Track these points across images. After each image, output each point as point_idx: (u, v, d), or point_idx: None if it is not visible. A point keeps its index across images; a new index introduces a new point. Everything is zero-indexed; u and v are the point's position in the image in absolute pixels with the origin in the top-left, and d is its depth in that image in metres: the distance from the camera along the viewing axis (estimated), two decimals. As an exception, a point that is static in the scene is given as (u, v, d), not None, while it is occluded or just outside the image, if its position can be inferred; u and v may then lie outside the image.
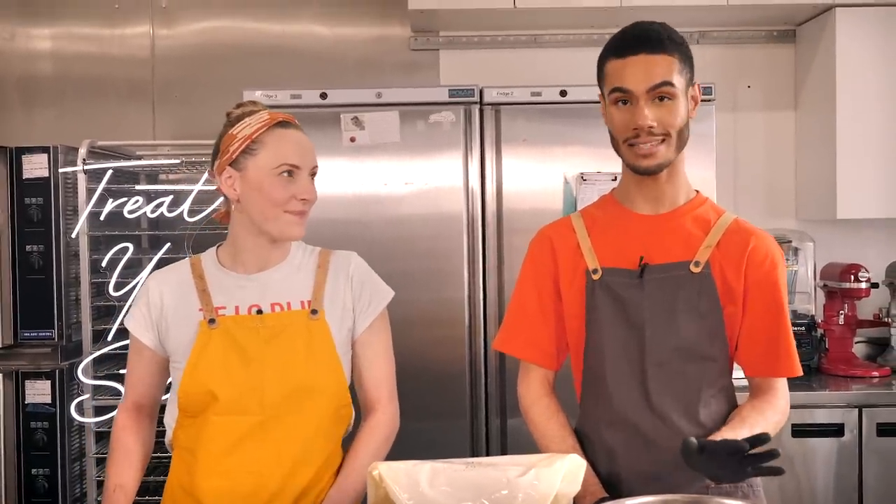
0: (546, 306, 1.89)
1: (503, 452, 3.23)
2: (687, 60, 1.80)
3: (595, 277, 1.81)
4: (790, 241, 3.68)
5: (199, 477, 1.82)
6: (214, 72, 4.09)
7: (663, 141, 1.75)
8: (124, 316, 3.28)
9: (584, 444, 1.87)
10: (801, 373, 1.83)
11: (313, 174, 1.90)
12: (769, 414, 1.76)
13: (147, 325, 1.90)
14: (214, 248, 1.97)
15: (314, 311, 1.85)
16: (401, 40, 4.10)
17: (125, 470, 1.92)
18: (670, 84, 1.72)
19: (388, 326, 1.97)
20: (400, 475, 1.47)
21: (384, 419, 1.93)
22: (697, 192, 1.91)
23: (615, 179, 3.14)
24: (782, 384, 1.84)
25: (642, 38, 1.75)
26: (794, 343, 1.83)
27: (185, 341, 1.84)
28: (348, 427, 1.96)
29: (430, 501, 1.43)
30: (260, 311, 1.84)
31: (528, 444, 3.19)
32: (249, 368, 1.79)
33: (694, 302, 1.77)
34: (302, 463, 1.83)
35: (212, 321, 1.82)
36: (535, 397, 1.92)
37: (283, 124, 1.90)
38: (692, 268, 1.78)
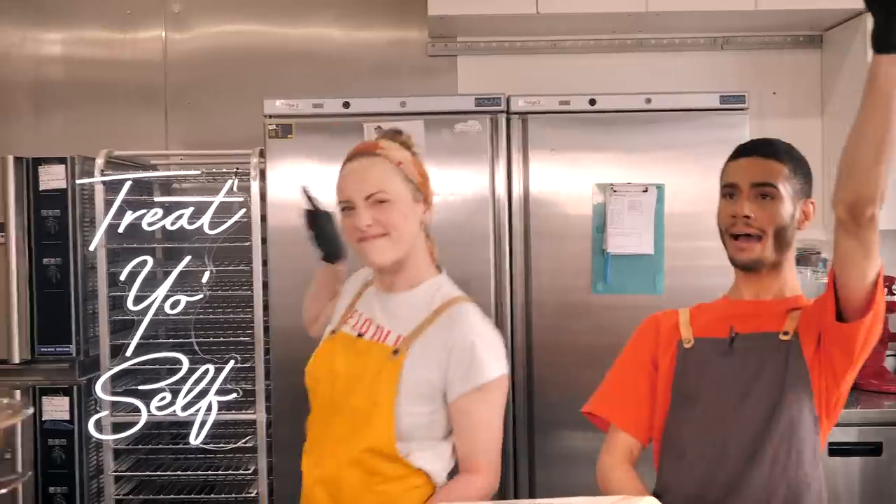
0: (641, 379, 1.95)
1: (531, 468, 3.19)
2: (800, 174, 1.89)
3: (687, 346, 1.89)
4: (819, 252, 3.63)
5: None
6: (228, 77, 4.02)
7: (760, 239, 1.84)
8: (143, 331, 3.24)
9: None
10: None
11: (379, 200, 1.86)
12: None
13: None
14: None
15: (396, 352, 1.83)
16: (418, 45, 4.04)
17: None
18: (773, 185, 1.84)
19: (495, 400, 1.85)
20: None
21: (479, 481, 1.85)
22: (803, 294, 1.95)
23: (646, 191, 3.10)
24: None
25: (759, 144, 1.91)
26: None
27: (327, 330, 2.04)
28: (413, 472, 1.87)
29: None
30: (361, 334, 1.93)
31: (557, 459, 3.18)
32: (333, 386, 1.90)
33: (781, 368, 1.80)
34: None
35: (333, 332, 2.00)
36: (617, 462, 1.93)
37: (351, 157, 1.93)
38: (781, 336, 1.83)
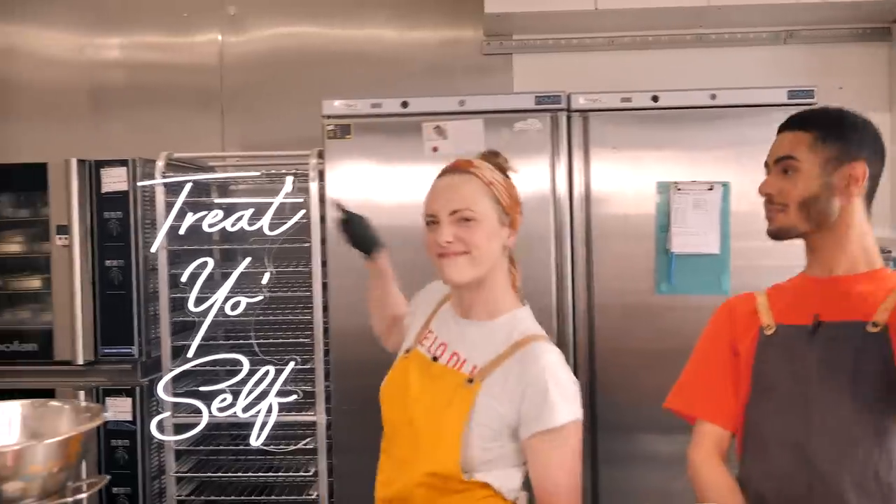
0: (722, 368, 1.87)
1: (594, 469, 3.14)
2: (833, 139, 1.78)
3: (767, 333, 1.81)
4: (889, 251, 3.52)
5: None
6: (282, 79, 4.03)
7: (781, 210, 1.81)
8: (203, 333, 3.25)
9: None
10: None
11: (464, 218, 1.82)
12: None
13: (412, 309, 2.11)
14: None
15: (470, 381, 1.80)
16: (472, 44, 4.01)
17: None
18: (792, 158, 1.79)
19: (568, 443, 1.77)
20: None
21: None
22: (883, 266, 1.85)
23: (711, 189, 3.03)
24: None
25: (792, 117, 1.85)
26: None
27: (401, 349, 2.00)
28: (481, 486, 1.82)
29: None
30: (436, 358, 1.89)
31: (620, 460, 3.13)
32: (405, 406, 1.86)
33: (868, 364, 1.71)
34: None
35: (407, 351, 1.96)
36: (707, 456, 1.85)
37: (444, 173, 1.91)
38: (869, 328, 1.72)
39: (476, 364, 1.81)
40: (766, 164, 1.85)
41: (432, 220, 1.85)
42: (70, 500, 1.44)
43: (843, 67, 3.84)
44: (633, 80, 3.49)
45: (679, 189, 3.04)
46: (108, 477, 1.65)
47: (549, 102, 3.10)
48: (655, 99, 3.09)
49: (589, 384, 3.13)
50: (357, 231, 2.22)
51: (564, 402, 1.75)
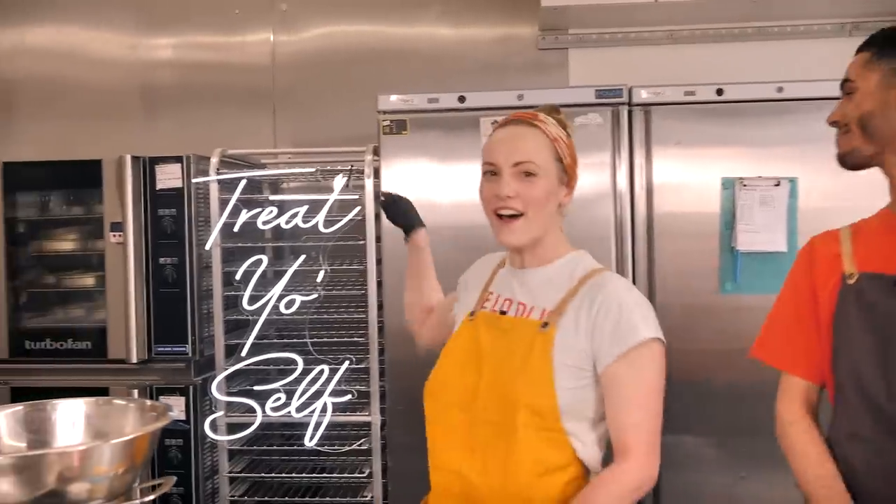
0: (803, 315, 1.77)
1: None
2: (889, 55, 1.71)
3: (850, 282, 1.70)
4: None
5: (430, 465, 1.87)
6: (333, 77, 4.00)
7: (845, 133, 1.75)
8: (257, 331, 3.22)
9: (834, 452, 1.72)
10: None
11: (527, 171, 1.76)
12: None
13: (458, 291, 2.04)
14: None
15: (545, 325, 1.74)
16: (527, 39, 3.94)
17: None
18: (849, 80, 1.76)
19: (647, 368, 1.70)
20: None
21: (630, 468, 1.69)
22: None
23: (778, 185, 2.94)
24: None
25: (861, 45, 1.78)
26: None
27: (456, 322, 1.93)
28: (567, 459, 1.75)
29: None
30: (504, 312, 1.83)
31: (681, 464, 3.04)
32: (478, 366, 1.79)
33: None
34: (507, 472, 1.70)
35: (472, 314, 1.88)
36: (798, 416, 1.77)
37: (505, 123, 1.85)
38: None
39: (545, 308, 1.77)
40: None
41: (492, 171, 1.79)
42: (137, 502, 1.40)
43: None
44: (692, 75, 3.40)
45: (745, 185, 2.94)
46: (175, 478, 1.61)
47: (610, 96, 3.03)
48: (720, 92, 3.00)
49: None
50: (399, 209, 2.29)
51: (640, 319, 1.70)
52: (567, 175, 1.83)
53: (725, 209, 2.98)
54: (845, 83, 1.77)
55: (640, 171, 3.04)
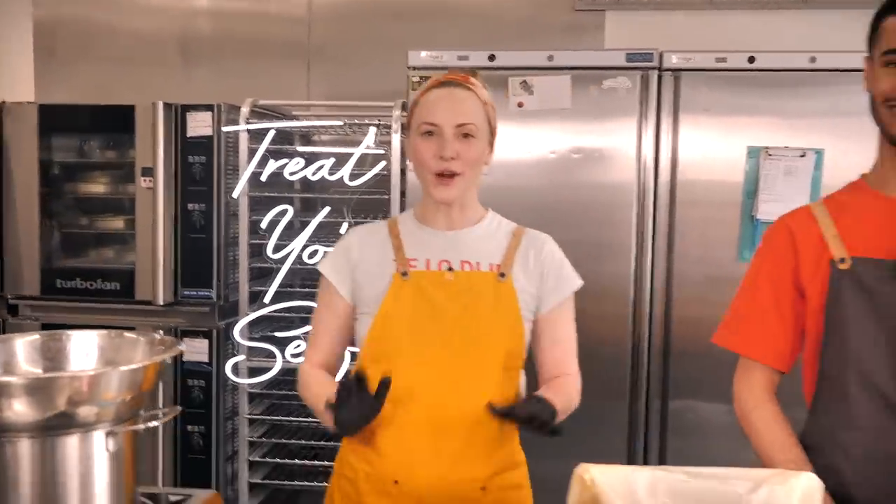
0: (782, 300, 1.71)
1: (663, 436, 3.10)
2: None
3: (842, 267, 1.63)
4: None
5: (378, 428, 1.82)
6: (369, 32, 4.00)
7: None
8: (281, 280, 3.28)
9: (811, 455, 1.68)
10: None
11: (467, 133, 1.83)
12: None
13: (344, 275, 1.94)
14: (414, 206, 2.01)
15: (502, 275, 1.88)
16: (565, 1, 3.91)
17: (332, 384, 1.88)
18: None
19: (573, 313, 1.98)
20: (615, 481, 1.33)
21: (573, 380, 1.96)
22: None
23: (803, 156, 2.92)
24: None
25: None
26: None
27: (376, 293, 1.89)
28: (517, 392, 1.92)
29: (649, 513, 1.29)
30: (451, 268, 1.88)
31: (690, 429, 3.08)
32: (437, 320, 1.84)
33: None
34: (479, 405, 1.78)
35: (404, 274, 1.87)
36: (759, 401, 1.74)
37: (445, 84, 1.88)
38: None
39: (491, 262, 1.89)
40: (874, 59, 1.63)
41: (431, 132, 1.83)
42: (142, 426, 1.46)
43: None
44: (729, 43, 3.37)
45: (770, 154, 2.93)
46: (181, 408, 1.67)
47: (641, 60, 3.02)
48: (752, 60, 2.98)
49: (663, 351, 3.08)
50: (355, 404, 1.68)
51: (573, 272, 1.96)
52: (492, 136, 1.92)
53: (749, 178, 2.97)
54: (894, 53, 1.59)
55: (666, 137, 3.03)
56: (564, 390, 1.89)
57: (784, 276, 1.71)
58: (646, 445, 3.12)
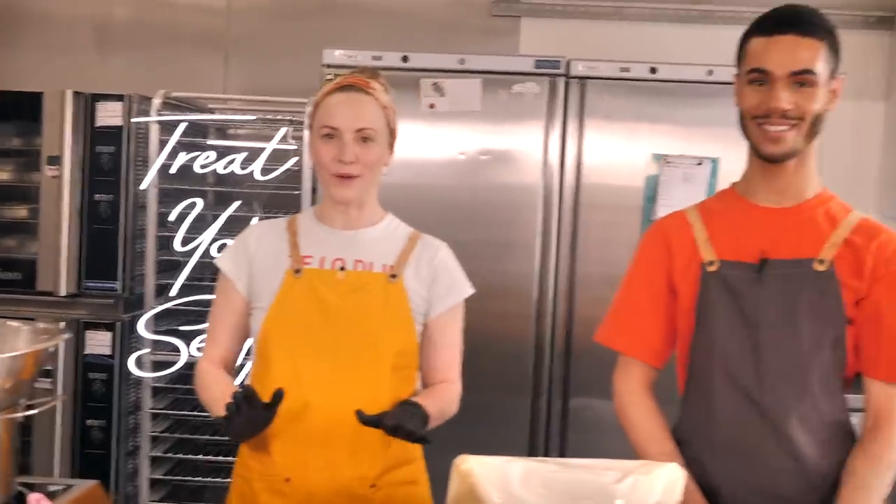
0: (657, 300, 1.81)
1: (563, 434, 3.18)
2: (834, 51, 1.70)
3: (711, 269, 1.73)
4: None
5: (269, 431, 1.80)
6: (290, 27, 4.00)
7: (794, 126, 1.66)
8: (188, 273, 3.27)
9: (681, 448, 1.77)
10: None
11: (366, 138, 1.88)
12: (883, 468, 1.65)
13: (241, 270, 1.97)
14: (316, 205, 2.06)
15: (393, 276, 1.92)
16: (482, 5, 3.98)
17: (229, 385, 1.93)
18: (812, 73, 1.65)
19: (462, 319, 2.03)
20: (491, 471, 1.39)
21: (454, 388, 2.01)
22: (825, 188, 1.80)
23: (700, 164, 3.03)
24: None
25: (793, 18, 1.67)
26: None
27: (271, 288, 1.92)
28: (412, 393, 1.96)
29: (521, 503, 1.35)
30: (343, 268, 1.92)
31: (589, 425, 3.16)
32: (327, 318, 1.87)
33: (816, 303, 1.67)
34: (369, 407, 1.79)
35: (297, 271, 1.91)
36: (635, 397, 1.83)
37: (346, 88, 1.92)
38: (816, 266, 1.68)
39: (384, 263, 1.93)
40: (763, 72, 1.65)
41: (331, 135, 1.88)
42: (21, 415, 1.47)
43: (843, 54, 3.78)
44: (635, 53, 3.46)
45: (669, 162, 3.04)
46: (64, 396, 1.67)
47: (549, 67, 3.10)
48: (654, 71, 3.09)
49: (565, 350, 3.16)
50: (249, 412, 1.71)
51: (465, 280, 2.01)
52: (392, 139, 1.97)
53: (649, 184, 3.08)
54: (805, 73, 1.64)
55: (571, 141, 3.12)
56: (443, 397, 1.95)
57: (659, 277, 1.80)
58: (547, 441, 3.19)
